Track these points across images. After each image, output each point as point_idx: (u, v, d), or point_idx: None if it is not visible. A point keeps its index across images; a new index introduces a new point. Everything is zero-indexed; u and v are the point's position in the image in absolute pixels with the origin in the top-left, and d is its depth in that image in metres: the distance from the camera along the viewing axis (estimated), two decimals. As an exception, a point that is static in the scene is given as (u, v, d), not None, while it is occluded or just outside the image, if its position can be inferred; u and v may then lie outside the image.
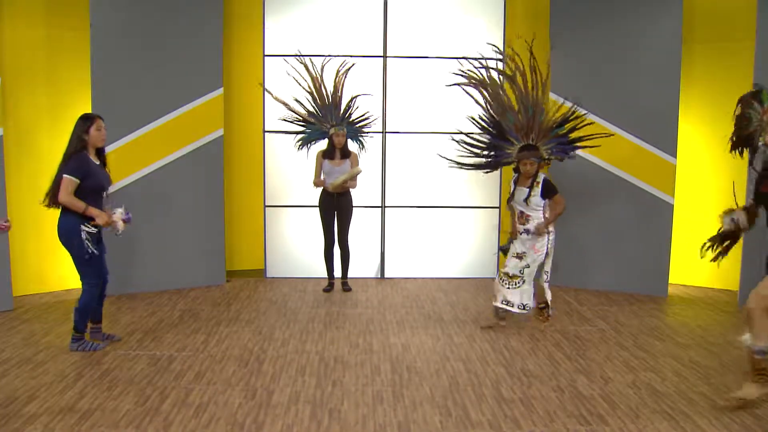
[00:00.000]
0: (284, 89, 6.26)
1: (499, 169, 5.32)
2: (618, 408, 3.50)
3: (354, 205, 6.17)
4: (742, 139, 3.82)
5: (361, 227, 6.66)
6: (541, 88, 4.96)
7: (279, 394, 3.66)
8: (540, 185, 4.82)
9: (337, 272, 6.32)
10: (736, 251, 4.32)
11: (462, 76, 5.21)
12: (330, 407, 3.49)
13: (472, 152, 5.29)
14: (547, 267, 4.96)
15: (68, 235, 4.23)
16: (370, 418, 3.35)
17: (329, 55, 6.08)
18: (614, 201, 6.20)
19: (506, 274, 4.94)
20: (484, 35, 6.71)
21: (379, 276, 6.90)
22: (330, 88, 6.04)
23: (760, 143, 3.63)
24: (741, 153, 3.91)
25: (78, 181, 4.16)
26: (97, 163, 4.34)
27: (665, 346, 4.62)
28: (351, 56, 6.21)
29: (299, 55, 6.06)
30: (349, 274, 6.36)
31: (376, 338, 4.75)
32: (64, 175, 4.14)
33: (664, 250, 6.09)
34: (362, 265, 6.76)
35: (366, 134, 6.27)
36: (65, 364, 4.08)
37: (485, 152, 5.23)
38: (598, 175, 6.19)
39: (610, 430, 3.24)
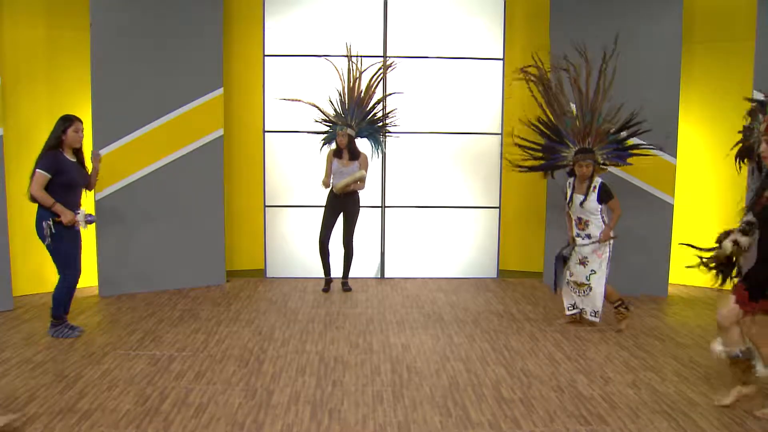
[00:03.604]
0: (284, 89, 6.26)
1: (551, 173, 5.37)
2: (618, 408, 3.50)
3: (360, 205, 6.19)
4: (742, 150, 3.84)
5: (361, 227, 6.64)
6: (601, 93, 5.05)
7: (279, 394, 3.66)
8: (596, 190, 4.85)
9: (338, 272, 6.32)
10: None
11: (525, 76, 5.32)
12: (330, 407, 3.49)
13: (527, 154, 5.36)
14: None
15: (38, 228, 4.47)
16: (370, 418, 3.35)
17: (335, 55, 6.08)
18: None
19: (574, 282, 4.99)
20: (484, 35, 6.72)
21: (379, 276, 6.90)
22: (363, 88, 6.09)
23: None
24: (739, 165, 3.92)
25: (49, 176, 4.40)
26: (73, 161, 4.55)
27: (665, 346, 4.62)
28: (351, 56, 6.20)
29: (342, 55, 6.09)
30: (350, 274, 6.36)
31: (376, 338, 4.75)
32: (36, 170, 4.40)
33: (664, 250, 6.09)
34: (362, 265, 6.76)
35: (388, 135, 6.30)
36: (65, 364, 4.08)
37: (541, 154, 5.30)
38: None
39: (610, 430, 3.24)
